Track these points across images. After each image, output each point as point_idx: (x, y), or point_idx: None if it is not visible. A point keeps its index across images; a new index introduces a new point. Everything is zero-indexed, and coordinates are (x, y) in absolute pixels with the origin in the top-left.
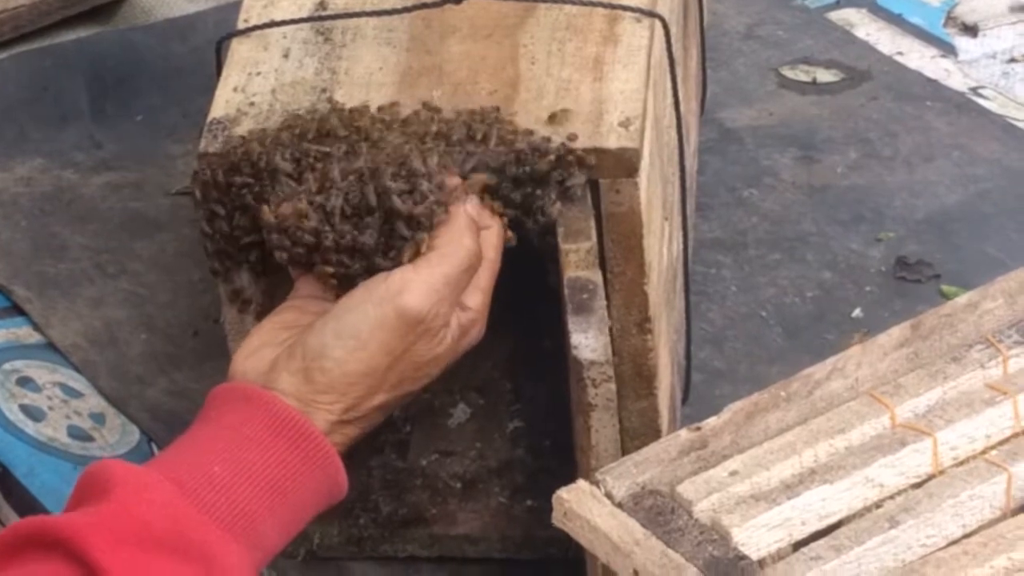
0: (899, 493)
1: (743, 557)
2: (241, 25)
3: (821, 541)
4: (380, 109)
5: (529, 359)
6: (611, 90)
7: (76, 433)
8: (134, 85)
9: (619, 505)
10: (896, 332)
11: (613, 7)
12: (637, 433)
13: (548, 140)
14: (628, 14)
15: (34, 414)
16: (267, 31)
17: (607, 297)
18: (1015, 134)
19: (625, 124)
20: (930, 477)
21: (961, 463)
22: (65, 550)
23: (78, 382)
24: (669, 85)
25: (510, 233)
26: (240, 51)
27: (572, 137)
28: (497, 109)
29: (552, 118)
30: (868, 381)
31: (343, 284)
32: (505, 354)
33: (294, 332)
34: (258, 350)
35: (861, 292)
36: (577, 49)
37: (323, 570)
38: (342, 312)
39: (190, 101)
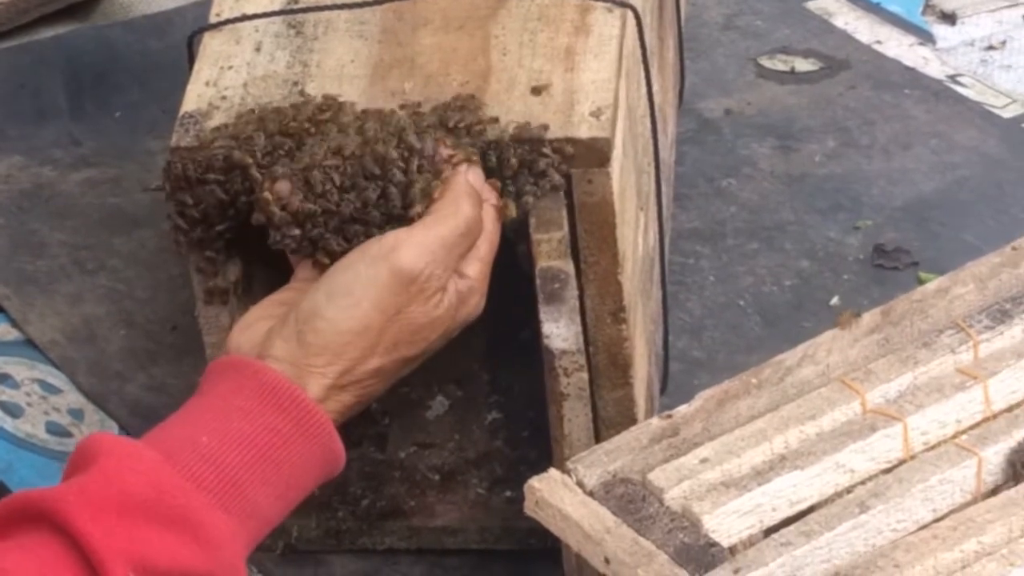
0: (870, 478)
1: (714, 544)
2: (213, 19)
3: (792, 527)
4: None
5: (507, 350)
6: (582, 80)
7: (54, 429)
8: (112, 81)
9: (590, 493)
10: (867, 318)
11: None
12: (613, 422)
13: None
14: (600, 4)
15: (12, 410)
16: (239, 25)
17: (581, 287)
18: (993, 121)
19: (596, 114)
20: (901, 462)
21: (932, 448)
22: (49, 522)
23: (57, 378)
24: (643, 75)
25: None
26: (212, 45)
27: (543, 127)
28: (472, 97)
29: (535, 91)
30: (839, 367)
31: None
32: (483, 345)
33: (290, 309)
34: (253, 324)
35: (839, 280)
36: (549, 40)
37: (301, 563)
38: (335, 273)
39: (169, 97)
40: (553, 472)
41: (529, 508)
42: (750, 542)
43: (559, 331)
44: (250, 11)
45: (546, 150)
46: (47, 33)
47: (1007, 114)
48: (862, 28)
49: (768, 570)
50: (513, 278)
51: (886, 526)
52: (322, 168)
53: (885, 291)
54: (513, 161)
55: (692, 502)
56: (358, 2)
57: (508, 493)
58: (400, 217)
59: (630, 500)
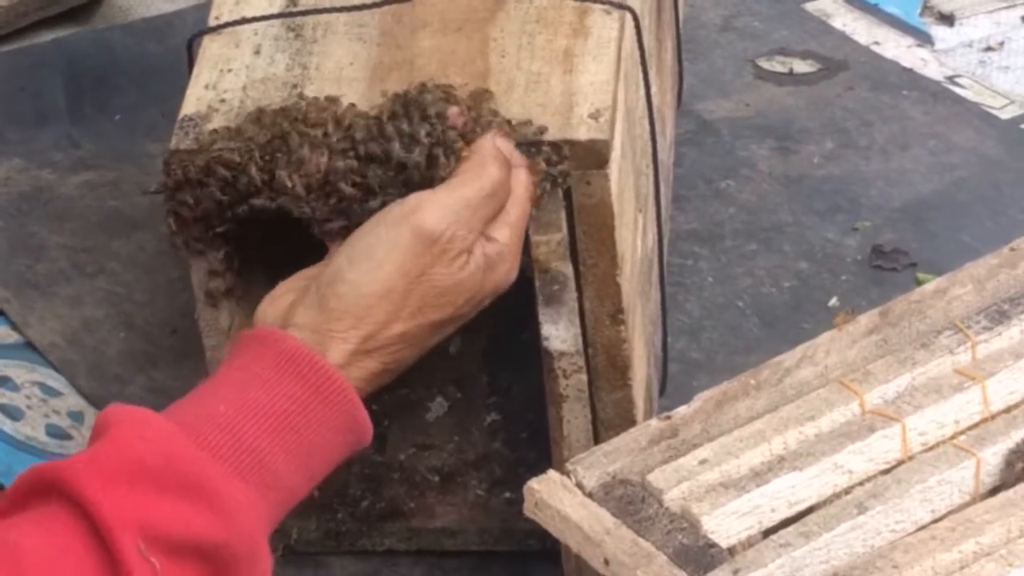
0: (868, 479)
1: (713, 545)
2: (212, 22)
3: (790, 528)
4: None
5: (506, 352)
6: (581, 82)
7: (54, 432)
8: (112, 84)
9: (589, 495)
10: (865, 319)
11: (583, 0)
12: (612, 424)
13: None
14: (598, 6)
15: (12, 413)
16: (238, 28)
17: (580, 289)
18: (991, 122)
19: (595, 116)
20: (899, 463)
21: (930, 449)
22: (60, 492)
23: (56, 381)
24: (641, 77)
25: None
26: (211, 48)
27: (542, 130)
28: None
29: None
30: (837, 368)
31: None
32: (482, 347)
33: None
34: (280, 296)
35: (837, 281)
36: (547, 42)
37: (301, 564)
38: (356, 237)
39: (168, 100)
40: (552, 473)
41: (528, 509)
42: (749, 543)
43: (558, 333)
44: (249, 14)
45: (544, 151)
46: (47, 36)
47: (1005, 115)
48: (860, 29)
49: (767, 571)
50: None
51: (885, 527)
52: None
53: (883, 292)
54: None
55: (691, 503)
56: (357, 5)
57: (507, 494)
58: (425, 185)
59: (629, 501)
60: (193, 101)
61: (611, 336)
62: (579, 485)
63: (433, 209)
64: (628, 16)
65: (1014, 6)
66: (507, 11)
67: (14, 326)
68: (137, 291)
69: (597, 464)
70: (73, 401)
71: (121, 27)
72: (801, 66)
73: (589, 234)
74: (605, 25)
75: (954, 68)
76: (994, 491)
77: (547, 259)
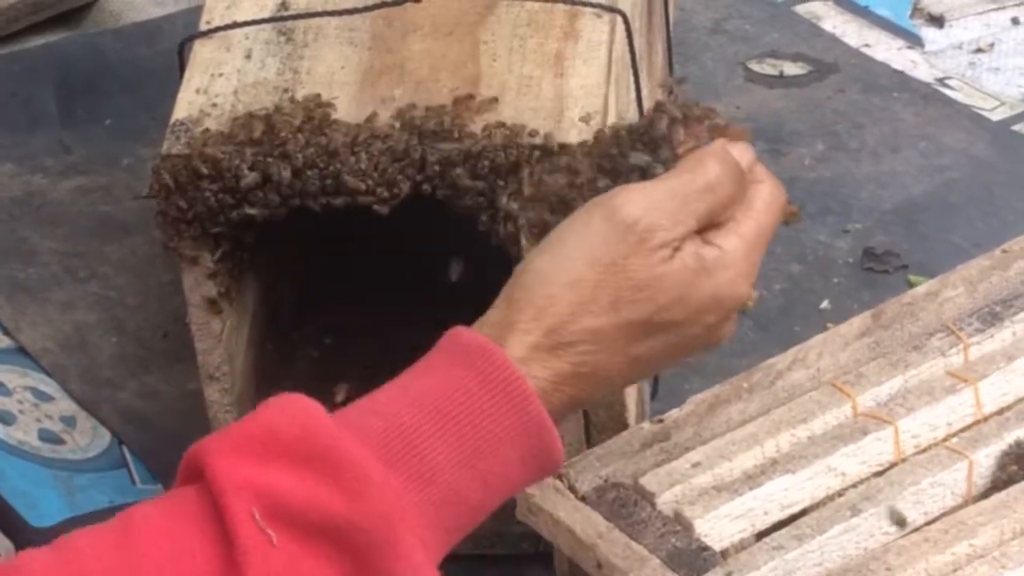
0: (861, 481)
1: (706, 548)
2: (203, 27)
3: (783, 530)
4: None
5: None
6: (572, 86)
7: (47, 436)
8: (103, 89)
9: (583, 498)
10: (857, 321)
11: (574, 3)
12: (605, 427)
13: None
14: (588, 10)
15: (4, 418)
16: (229, 32)
17: None
18: (981, 124)
19: (586, 119)
20: (892, 465)
21: (922, 451)
22: (193, 467)
23: (48, 386)
24: (632, 80)
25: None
26: (202, 53)
27: (533, 133)
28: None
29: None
30: (830, 371)
31: None
32: None
33: None
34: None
35: (829, 284)
36: (538, 45)
37: None
38: (555, 230)
39: (159, 105)
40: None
41: (521, 513)
42: (742, 546)
43: None
44: (240, 18)
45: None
46: (37, 41)
47: (996, 116)
48: (850, 32)
49: (760, 573)
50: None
51: (877, 529)
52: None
53: (875, 294)
54: (502, 164)
55: (684, 506)
56: (348, 9)
57: None
58: None
59: (622, 504)
60: (184, 105)
61: None
62: (572, 489)
63: (632, 195)
64: (618, 19)
65: (1004, 8)
66: (498, 15)
67: (6, 331)
68: (129, 295)
69: (590, 468)
70: (65, 405)
71: (112, 32)
72: (792, 68)
73: None
74: (595, 28)
75: (944, 70)
76: (987, 493)
77: None
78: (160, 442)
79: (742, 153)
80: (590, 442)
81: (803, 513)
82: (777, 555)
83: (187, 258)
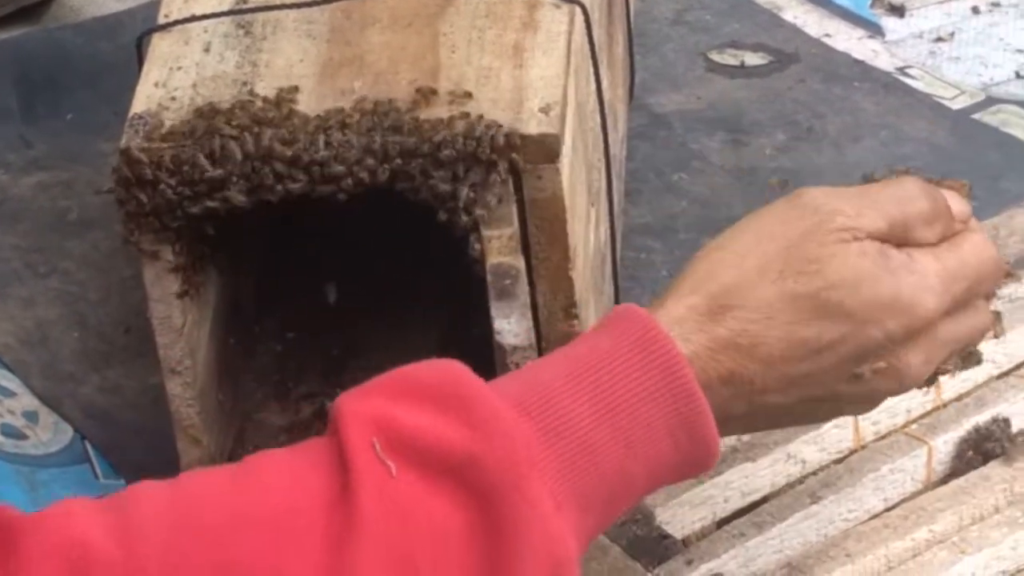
0: (821, 469)
1: (666, 536)
2: (162, 20)
3: (744, 518)
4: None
5: (460, 347)
6: (531, 77)
7: (9, 432)
8: (63, 84)
9: None
10: None
11: None
12: None
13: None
14: (547, 1)
15: None
16: (188, 26)
17: (533, 283)
18: (942, 113)
19: (545, 110)
20: (852, 452)
21: (882, 438)
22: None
23: (11, 381)
24: (592, 71)
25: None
26: (161, 46)
27: (493, 124)
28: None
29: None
30: None
31: None
32: (436, 342)
33: None
34: None
35: None
36: (497, 37)
37: None
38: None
39: (120, 99)
40: None
41: None
42: (703, 534)
43: (510, 327)
44: (199, 12)
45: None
46: None
47: (956, 105)
48: (811, 22)
49: (720, 561)
50: (464, 275)
51: (838, 516)
52: None
53: None
54: (461, 155)
55: None
56: (307, 1)
57: None
58: None
59: None
60: (143, 99)
61: (564, 330)
62: None
63: (819, 188)
64: (578, 10)
65: None
66: (457, 6)
67: None
68: (90, 290)
69: None
70: (27, 401)
71: (72, 26)
72: (752, 59)
73: (541, 228)
74: (555, 19)
75: (905, 59)
76: (946, 479)
77: (499, 253)
78: (122, 437)
79: (957, 202)
80: None
81: (764, 501)
82: (738, 542)
83: (147, 252)
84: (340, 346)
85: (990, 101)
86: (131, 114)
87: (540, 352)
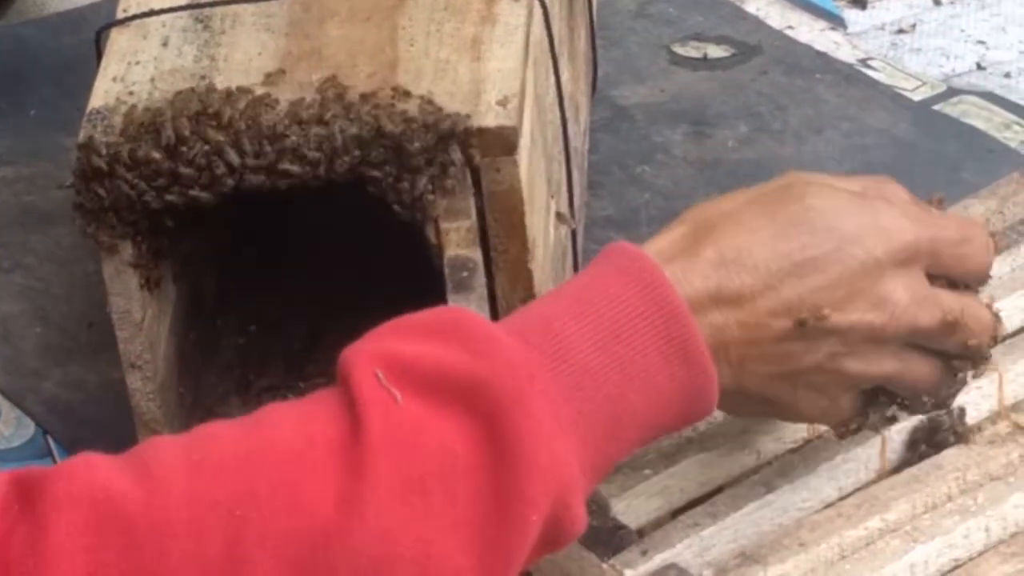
0: (776, 459)
1: (622, 527)
2: (120, 15)
3: (699, 508)
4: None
5: None
6: (488, 69)
7: None
8: (26, 79)
9: None
10: None
11: None
12: None
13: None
14: None
15: None
16: (146, 20)
17: (492, 275)
18: (904, 104)
19: (503, 103)
20: (807, 442)
21: None
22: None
23: None
24: (551, 64)
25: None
26: (119, 41)
27: (450, 116)
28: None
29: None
30: None
31: None
32: None
33: None
34: None
35: None
36: (455, 30)
37: None
38: None
39: (83, 94)
40: None
41: None
42: (658, 524)
43: None
44: (157, 6)
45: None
46: None
47: (917, 97)
48: (773, 14)
49: (675, 551)
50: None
51: (792, 505)
52: None
53: None
54: (419, 147)
55: (600, 485)
56: None
57: None
58: None
59: None
60: (101, 94)
61: None
62: None
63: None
64: (536, 3)
65: None
66: (415, 0)
67: None
68: (53, 285)
69: None
70: None
71: (35, 22)
72: (715, 51)
73: (499, 220)
74: (512, 12)
75: (867, 51)
76: (899, 468)
77: (456, 246)
78: (84, 431)
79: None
80: None
81: (719, 490)
82: (693, 532)
83: (106, 246)
84: (302, 339)
85: (951, 92)
86: (89, 109)
87: None
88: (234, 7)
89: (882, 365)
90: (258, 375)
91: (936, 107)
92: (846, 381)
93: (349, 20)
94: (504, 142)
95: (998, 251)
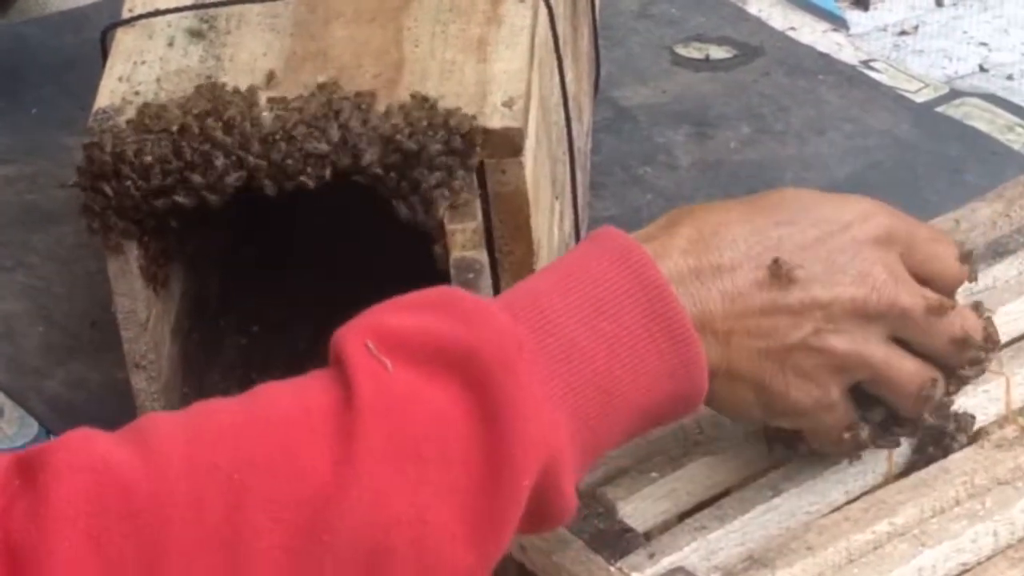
0: (784, 463)
1: (629, 530)
2: (125, 14)
3: (706, 511)
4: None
5: None
6: (494, 71)
7: None
8: (28, 78)
9: None
10: None
11: None
12: None
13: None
14: None
15: None
16: (152, 20)
17: (497, 276)
18: (906, 105)
19: (509, 104)
20: None
21: None
22: None
23: None
24: (556, 65)
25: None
26: (125, 41)
27: (456, 118)
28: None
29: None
30: None
31: None
32: None
33: None
34: None
35: None
36: (460, 31)
37: None
38: None
39: (85, 93)
40: None
41: None
42: (665, 527)
43: None
44: (162, 6)
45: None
46: None
47: (920, 98)
48: (776, 15)
49: (682, 554)
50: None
51: (799, 509)
52: None
53: None
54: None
55: (607, 488)
56: None
57: None
58: None
59: None
60: (107, 94)
61: None
62: None
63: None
64: (541, 4)
65: None
66: (420, 1)
67: None
68: (56, 284)
69: None
70: None
71: (37, 21)
72: (717, 52)
73: (505, 222)
74: (518, 13)
75: (869, 52)
76: (906, 472)
77: (462, 247)
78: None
79: (973, 322)
80: None
81: (726, 493)
82: (699, 535)
83: (112, 247)
84: (306, 339)
85: (954, 94)
86: (95, 108)
87: None
88: (239, 7)
89: (868, 347)
90: (261, 375)
91: (939, 109)
92: (834, 363)
93: (354, 21)
94: (510, 143)
95: (969, 263)
